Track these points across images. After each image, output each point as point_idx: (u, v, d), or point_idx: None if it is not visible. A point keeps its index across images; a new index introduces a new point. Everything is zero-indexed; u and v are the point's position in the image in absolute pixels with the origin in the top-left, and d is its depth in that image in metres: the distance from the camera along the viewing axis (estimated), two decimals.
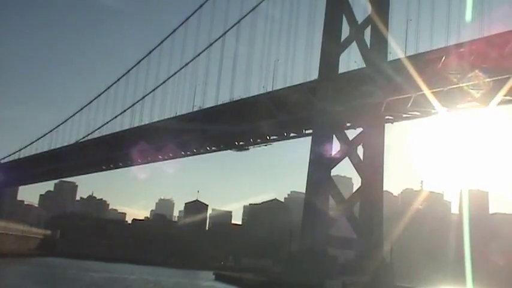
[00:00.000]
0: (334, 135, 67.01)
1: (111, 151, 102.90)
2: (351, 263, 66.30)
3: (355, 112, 66.43)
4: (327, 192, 65.30)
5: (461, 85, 55.99)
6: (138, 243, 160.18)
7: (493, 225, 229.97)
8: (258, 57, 77.27)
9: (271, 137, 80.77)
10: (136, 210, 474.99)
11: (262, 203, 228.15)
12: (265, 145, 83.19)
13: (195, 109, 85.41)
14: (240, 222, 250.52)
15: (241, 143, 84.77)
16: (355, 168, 68.54)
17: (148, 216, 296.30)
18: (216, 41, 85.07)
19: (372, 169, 67.89)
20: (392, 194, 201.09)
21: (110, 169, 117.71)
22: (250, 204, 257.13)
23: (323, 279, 58.92)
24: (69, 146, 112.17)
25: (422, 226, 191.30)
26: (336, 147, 67.26)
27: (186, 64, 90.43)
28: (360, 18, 70.00)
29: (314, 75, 69.24)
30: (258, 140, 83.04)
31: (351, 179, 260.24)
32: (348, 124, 70.09)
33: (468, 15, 56.94)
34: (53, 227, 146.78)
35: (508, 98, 56.85)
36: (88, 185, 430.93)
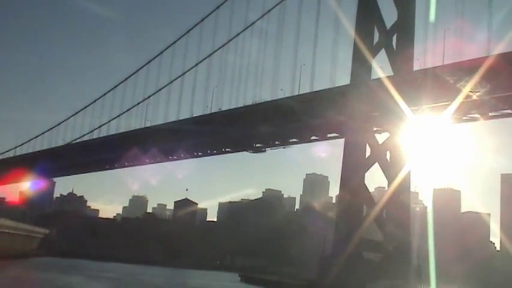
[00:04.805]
0: (366, 139, 67.51)
1: (115, 152, 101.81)
2: (381, 266, 66.67)
3: (384, 116, 67.10)
4: (360, 196, 65.80)
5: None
6: (131, 242, 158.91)
7: (464, 223, 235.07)
8: (282, 60, 77.68)
9: (292, 140, 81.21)
10: (102, 205, 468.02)
11: (243, 200, 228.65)
12: (284, 147, 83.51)
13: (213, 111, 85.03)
14: (215, 219, 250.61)
15: (258, 144, 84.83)
16: (384, 173, 69.06)
17: (120, 212, 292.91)
18: (232, 39, 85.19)
19: (398, 173, 68.48)
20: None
21: (105, 169, 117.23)
22: (229, 202, 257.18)
23: (363, 283, 59.54)
24: (70, 145, 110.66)
25: None
26: (367, 151, 67.81)
27: (196, 65, 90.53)
28: (388, 23, 70.45)
29: (338, 80, 70.42)
30: (276, 142, 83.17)
31: (326, 177, 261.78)
32: (375, 129, 70.55)
33: None
34: (43, 225, 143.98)
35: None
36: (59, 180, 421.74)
